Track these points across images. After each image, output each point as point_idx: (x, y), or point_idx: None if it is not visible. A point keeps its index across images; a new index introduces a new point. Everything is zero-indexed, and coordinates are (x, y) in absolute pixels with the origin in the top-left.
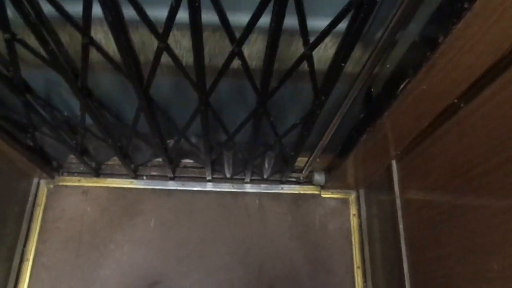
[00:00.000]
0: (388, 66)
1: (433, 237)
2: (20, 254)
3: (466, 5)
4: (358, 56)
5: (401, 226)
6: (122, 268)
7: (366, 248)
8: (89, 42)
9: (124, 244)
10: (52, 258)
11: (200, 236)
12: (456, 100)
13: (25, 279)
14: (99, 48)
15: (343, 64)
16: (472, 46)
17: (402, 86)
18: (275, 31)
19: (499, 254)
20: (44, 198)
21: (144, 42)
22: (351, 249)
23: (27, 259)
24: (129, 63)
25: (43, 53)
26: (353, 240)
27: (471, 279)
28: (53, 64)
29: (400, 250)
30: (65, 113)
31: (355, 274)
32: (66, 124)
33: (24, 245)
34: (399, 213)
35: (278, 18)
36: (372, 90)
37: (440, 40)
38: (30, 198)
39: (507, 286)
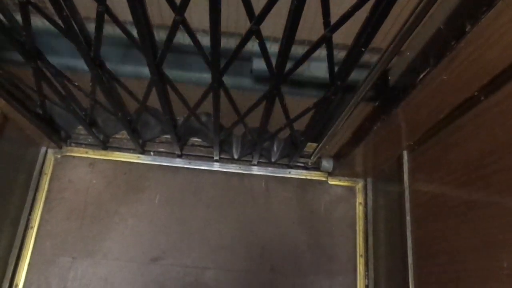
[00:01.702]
0: (408, 54)
1: (441, 232)
2: (25, 222)
3: None
4: (378, 41)
5: (408, 218)
6: (124, 241)
7: (370, 238)
8: (104, 10)
9: (128, 218)
10: (56, 228)
11: (204, 215)
12: (476, 93)
13: (29, 247)
14: (114, 18)
15: (363, 49)
16: (500, 37)
17: (422, 76)
18: (296, 11)
19: (509, 252)
20: (51, 167)
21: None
22: (355, 238)
23: (32, 227)
24: (144, 35)
25: (57, 19)
26: (357, 228)
27: (478, 276)
28: (67, 31)
29: (406, 242)
30: (76, 83)
31: (358, 263)
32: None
33: (30, 213)
34: (407, 205)
35: None
36: (389, 78)
37: (467, 29)
38: (37, 167)
39: None
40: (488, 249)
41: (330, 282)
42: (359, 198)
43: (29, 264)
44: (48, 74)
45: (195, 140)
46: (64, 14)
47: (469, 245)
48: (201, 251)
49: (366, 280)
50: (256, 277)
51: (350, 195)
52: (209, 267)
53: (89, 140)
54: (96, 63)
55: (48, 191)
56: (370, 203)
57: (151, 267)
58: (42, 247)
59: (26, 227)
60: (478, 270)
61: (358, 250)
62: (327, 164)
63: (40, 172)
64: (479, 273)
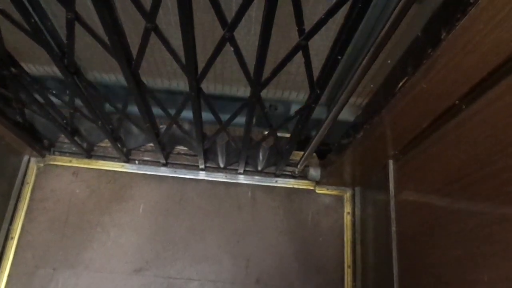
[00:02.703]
0: (389, 61)
1: (425, 243)
2: (5, 232)
3: (471, 0)
4: (357, 48)
5: (393, 229)
6: (107, 252)
7: (358, 248)
8: (73, 17)
9: (111, 228)
10: (38, 238)
11: (189, 225)
12: (457, 102)
13: (9, 257)
14: (85, 25)
15: (339, 57)
16: (476, 45)
17: (401, 84)
18: (268, 18)
19: (490, 265)
20: (33, 176)
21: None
22: (343, 248)
23: (12, 238)
24: (115, 42)
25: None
26: (345, 238)
27: None
28: (37, 38)
29: (391, 253)
30: (53, 91)
31: (345, 274)
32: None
33: (10, 223)
34: (392, 215)
35: (270, 3)
36: (372, 86)
37: (442, 37)
38: (19, 176)
39: None
40: (469, 261)
41: None
42: (347, 208)
43: (9, 275)
44: (23, 81)
45: (181, 148)
46: (32, 21)
47: (451, 257)
48: (185, 261)
49: None
50: None
51: (338, 205)
52: (193, 278)
53: (73, 148)
54: (70, 71)
55: (30, 200)
56: (358, 212)
57: (134, 279)
58: (23, 258)
59: (7, 238)
60: (460, 283)
61: (346, 260)
62: (314, 172)
63: (22, 182)
64: (461, 286)
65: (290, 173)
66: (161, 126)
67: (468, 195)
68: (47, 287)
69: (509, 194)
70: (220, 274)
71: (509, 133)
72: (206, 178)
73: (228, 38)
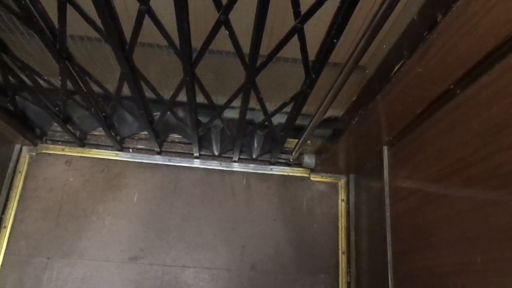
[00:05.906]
0: (384, 46)
1: (419, 227)
2: None
3: None
4: (352, 32)
5: (387, 214)
6: (102, 240)
7: (352, 234)
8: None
9: (105, 216)
10: (31, 227)
11: (183, 213)
12: (452, 86)
13: (2, 246)
14: (77, 7)
15: (335, 41)
16: (472, 27)
17: (396, 68)
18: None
19: (483, 247)
20: (25, 165)
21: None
22: (337, 234)
23: (5, 227)
24: (108, 25)
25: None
26: (339, 225)
27: (453, 271)
28: (28, 21)
29: (385, 238)
30: (45, 78)
31: (340, 260)
32: (48, 89)
33: (3, 212)
34: (387, 201)
35: None
36: (366, 71)
37: (438, 19)
38: (11, 165)
39: (489, 280)
40: (463, 244)
41: (312, 280)
42: (342, 195)
43: (2, 264)
44: (14, 67)
45: (175, 136)
46: (22, 3)
47: (445, 241)
48: (180, 249)
49: (348, 277)
50: (237, 276)
51: (332, 192)
52: (188, 266)
53: (66, 137)
54: (62, 56)
55: (23, 189)
56: (352, 199)
57: (129, 267)
58: (16, 247)
59: None
60: (453, 265)
61: (340, 247)
62: (309, 160)
63: (14, 170)
64: (455, 268)
65: (285, 161)
66: (155, 114)
67: (462, 179)
68: (42, 276)
69: (502, 176)
70: (215, 261)
71: (502, 116)
72: (201, 166)
73: (223, 21)
